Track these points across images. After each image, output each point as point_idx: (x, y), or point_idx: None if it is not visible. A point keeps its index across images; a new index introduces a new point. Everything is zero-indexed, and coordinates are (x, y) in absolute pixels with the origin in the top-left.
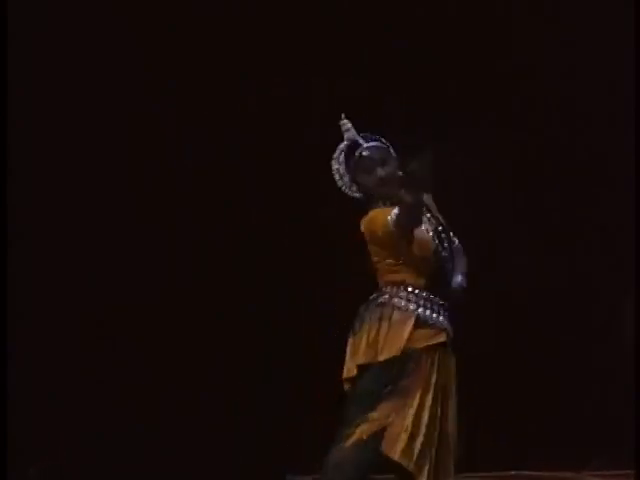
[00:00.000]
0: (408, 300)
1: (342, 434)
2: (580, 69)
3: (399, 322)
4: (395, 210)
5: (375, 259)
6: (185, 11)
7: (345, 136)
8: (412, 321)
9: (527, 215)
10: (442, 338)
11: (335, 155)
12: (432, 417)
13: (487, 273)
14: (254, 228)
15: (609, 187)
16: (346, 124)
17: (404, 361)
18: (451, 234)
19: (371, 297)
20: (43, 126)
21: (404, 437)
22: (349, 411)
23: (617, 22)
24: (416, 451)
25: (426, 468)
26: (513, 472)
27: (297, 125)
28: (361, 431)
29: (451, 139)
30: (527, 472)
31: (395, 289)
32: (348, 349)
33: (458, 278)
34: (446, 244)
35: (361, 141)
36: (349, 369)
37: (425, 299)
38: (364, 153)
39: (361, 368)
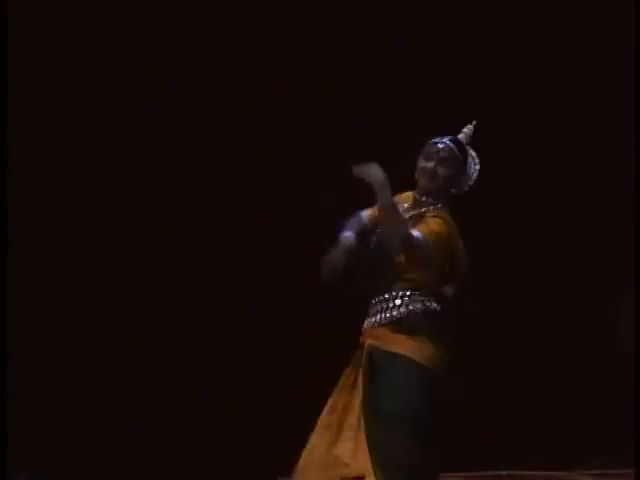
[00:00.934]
0: None
1: None
2: (580, 69)
3: None
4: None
5: None
6: (185, 11)
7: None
8: None
9: (527, 215)
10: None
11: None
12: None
13: (487, 273)
14: (254, 228)
15: (609, 187)
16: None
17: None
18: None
19: None
20: (43, 126)
21: None
22: None
23: (617, 22)
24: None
25: None
26: (504, 472)
27: (297, 125)
28: None
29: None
30: (520, 472)
31: None
32: None
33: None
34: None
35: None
36: None
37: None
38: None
39: None
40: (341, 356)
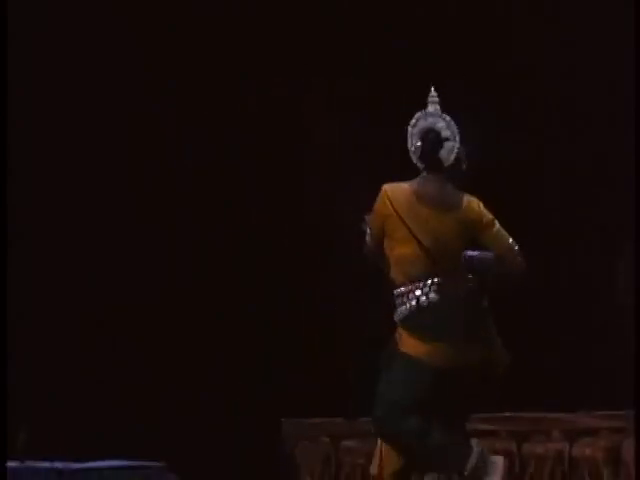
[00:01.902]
0: None
1: None
2: (580, 69)
3: None
4: None
5: None
6: (185, 11)
7: None
8: None
9: (527, 215)
10: None
11: None
12: None
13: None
14: (254, 228)
15: (609, 187)
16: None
17: None
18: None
19: None
20: (43, 126)
21: None
22: None
23: (617, 22)
24: None
25: None
26: (508, 414)
27: (297, 125)
28: None
29: None
30: (523, 414)
31: None
32: None
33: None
34: None
35: None
36: None
37: None
38: None
39: None
40: (341, 356)
